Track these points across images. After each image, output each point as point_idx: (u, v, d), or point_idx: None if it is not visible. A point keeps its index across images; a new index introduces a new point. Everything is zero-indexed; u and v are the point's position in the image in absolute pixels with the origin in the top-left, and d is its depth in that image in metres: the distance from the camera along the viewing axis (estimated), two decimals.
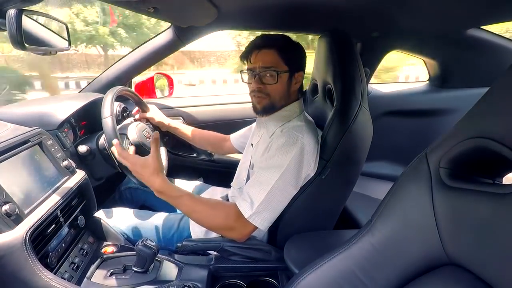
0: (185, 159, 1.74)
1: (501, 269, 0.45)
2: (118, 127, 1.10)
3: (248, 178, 1.10)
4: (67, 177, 1.00)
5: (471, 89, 1.69)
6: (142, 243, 0.88)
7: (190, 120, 1.71)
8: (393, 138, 1.75)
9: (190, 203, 0.95)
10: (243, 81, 1.10)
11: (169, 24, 1.43)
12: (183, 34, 1.44)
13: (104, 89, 1.39)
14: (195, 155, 1.77)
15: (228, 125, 1.71)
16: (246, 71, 1.06)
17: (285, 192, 0.96)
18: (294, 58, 1.03)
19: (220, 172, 1.63)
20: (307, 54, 1.09)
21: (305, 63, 1.08)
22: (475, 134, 0.50)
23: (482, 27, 1.43)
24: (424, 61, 1.78)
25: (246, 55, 1.05)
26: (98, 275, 0.91)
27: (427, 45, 1.58)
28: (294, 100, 1.08)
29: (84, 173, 1.07)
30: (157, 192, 0.93)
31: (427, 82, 1.84)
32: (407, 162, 0.62)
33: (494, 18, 1.09)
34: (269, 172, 0.95)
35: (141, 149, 1.20)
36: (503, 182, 0.56)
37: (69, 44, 0.99)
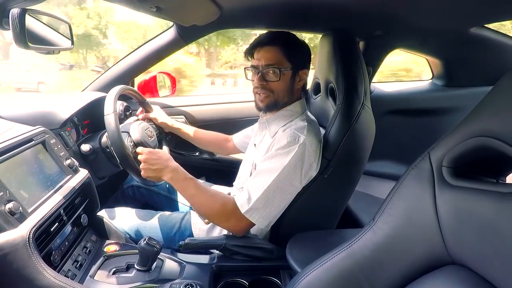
0: (188, 158, 1.74)
1: (504, 269, 0.45)
2: (120, 125, 1.11)
3: None
4: (70, 176, 1.00)
5: (474, 87, 1.68)
6: (145, 242, 0.89)
7: (193, 119, 1.72)
8: (395, 137, 1.75)
9: (194, 187, 1.00)
10: (246, 78, 1.10)
11: (171, 23, 1.43)
12: (185, 33, 1.44)
13: (107, 88, 1.39)
14: (197, 154, 1.77)
15: (231, 124, 1.71)
16: (250, 68, 1.07)
17: (285, 191, 0.96)
18: (298, 55, 1.03)
19: (223, 171, 1.63)
20: None
21: (310, 61, 1.08)
22: (478, 133, 0.50)
23: (485, 25, 1.42)
24: (427, 60, 1.78)
25: (249, 51, 1.05)
26: (101, 273, 0.92)
27: (430, 43, 1.57)
28: (297, 99, 1.08)
29: (87, 172, 1.08)
30: (171, 172, 1.00)
31: (430, 81, 1.83)
32: (409, 161, 0.62)
33: (497, 16, 1.08)
34: (269, 170, 0.95)
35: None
36: (507, 181, 0.55)
37: (72, 43, 0.99)
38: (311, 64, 1.10)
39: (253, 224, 0.97)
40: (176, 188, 1.02)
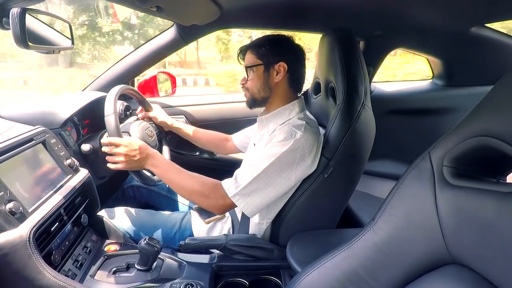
0: (188, 158, 1.74)
1: (505, 268, 0.45)
2: (120, 125, 1.11)
3: None
4: (71, 175, 1.01)
5: (475, 87, 1.67)
6: (145, 241, 0.89)
7: (193, 119, 1.71)
8: (396, 136, 1.75)
9: (174, 171, 1.03)
10: None
11: (172, 22, 1.43)
12: (186, 33, 1.44)
13: (107, 87, 1.39)
14: (197, 153, 1.77)
15: (231, 124, 1.71)
16: None
17: (275, 182, 0.97)
18: (268, 51, 1.05)
19: (223, 171, 1.63)
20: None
21: (289, 53, 1.06)
22: (478, 132, 0.50)
23: (486, 25, 1.42)
24: (427, 59, 1.77)
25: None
26: (101, 273, 0.92)
27: (430, 43, 1.57)
28: (282, 93, 1.08)
29: (87, 171, 1.08)
30: (151, 159, 1.03)
31: (431, 80, 1.83)
32: (410, 160, 0.62)
33: (498, 16, 1.08)
34: (261, 158, 0.96)
35: None
36: (507, 181, 0.55)
37: (72, 43, 0.99)
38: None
39: (233, 206, 0.99)
40: (156, 173, 1.04)
